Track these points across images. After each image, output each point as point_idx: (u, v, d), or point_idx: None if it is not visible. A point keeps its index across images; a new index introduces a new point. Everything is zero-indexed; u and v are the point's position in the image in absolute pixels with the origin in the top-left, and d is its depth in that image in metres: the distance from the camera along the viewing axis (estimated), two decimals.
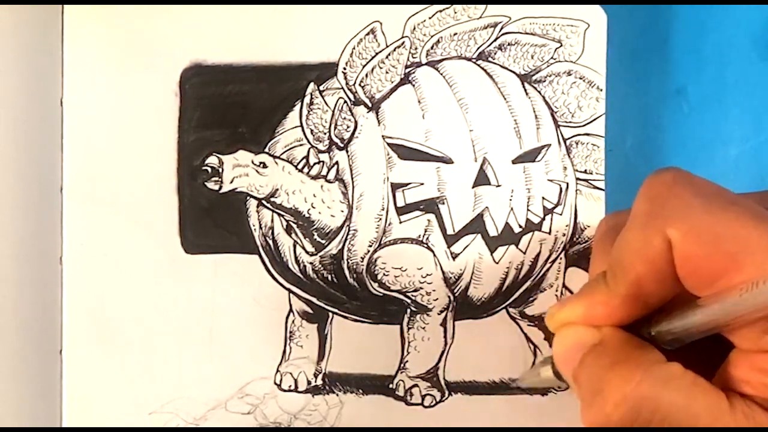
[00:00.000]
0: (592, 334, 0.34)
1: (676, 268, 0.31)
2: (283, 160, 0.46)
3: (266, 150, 0.46)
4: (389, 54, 0.45)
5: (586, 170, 0.46)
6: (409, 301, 0.46)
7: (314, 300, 0.46)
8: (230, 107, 0.46)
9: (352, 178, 0.46)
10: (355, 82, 0.45)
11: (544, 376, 0.39)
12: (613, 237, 0.34)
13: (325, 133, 0.46)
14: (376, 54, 0.45)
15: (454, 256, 0.46)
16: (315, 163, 0.46)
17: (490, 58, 0.46)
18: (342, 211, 0.46)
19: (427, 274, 0.46)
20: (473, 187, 0.45)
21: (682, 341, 0.33)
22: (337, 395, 0.46)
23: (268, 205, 0.46)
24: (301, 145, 0.46)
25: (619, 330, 0.34)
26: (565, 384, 0.37)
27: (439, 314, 0.46)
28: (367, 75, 0.45)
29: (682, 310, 0.32)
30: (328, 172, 0.46)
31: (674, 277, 0.32)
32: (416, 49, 0.45)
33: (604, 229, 0.38)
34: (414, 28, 0.45)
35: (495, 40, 0.45)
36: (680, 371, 0.32)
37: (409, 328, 0.46)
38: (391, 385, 0.46)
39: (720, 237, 0.30)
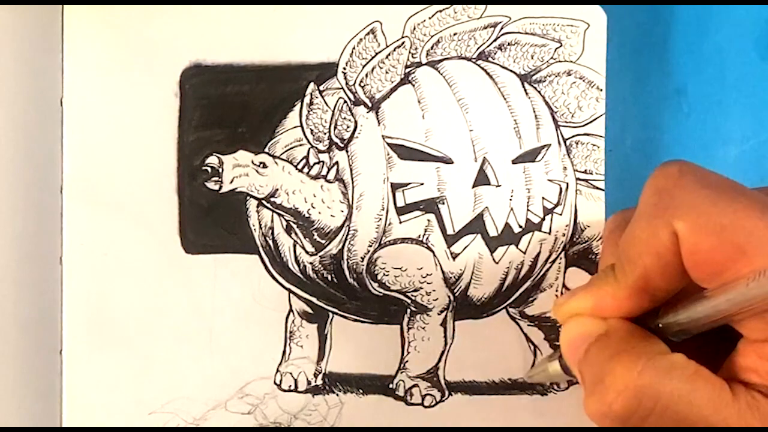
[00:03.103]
0: (598, 325, 0.34)
1: (683, 260, 0.31)
2: (283, 160, 0.46)
3: (266, 150, 0.46)
4: (389, 54, 0.45)
5: (586, 170, 0.46)
6: (409, 301, 0.46)
7: (314, 300, 0.46)
8: (230, 107, 0.46)
9: (352, 178, 0.46)
10: (355, 82, 0.45)
11: (551, 370, 0.39)
12: (623, 231, 0.34)
13: (325, 133, 0.46)
14: (376, 54, 0.45)
15: (454, 256, 0.46)
16: (315, 163, 0.46)
17: (490, 58, 0.46)
18: (342, 211, 0.46)
19: (427, 274, 0.46)
20: (473, 187, 0.45)
21: (689, 333, 0.33)
22: (337, 395, 0.46)
23: (268, 205, 0.46)
24: (301, 145, 0.46)
25: (625, 321, 0.34)
26: (573, 378, 0.37)
27: (439, 314, 0.46)
28: (367, 75, 0.45)
29: (689, 301, 0.32)
30: (328, 172, 0.46)
31: (681, 270, 0.32)
32: (416, 49, 0.45)
33: (613, 224, 0.38)
34: (414, 28, 0.45)
35: (495, 40, 0.45)
36: (683, 361, 0.32)
37: (409, 328, 0.46)
38: (391, 385, 0.46)
39: (726, 228, 0.30)
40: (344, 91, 0.45)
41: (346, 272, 0.46)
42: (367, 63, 0.45)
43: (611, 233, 0.38)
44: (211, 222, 0.46)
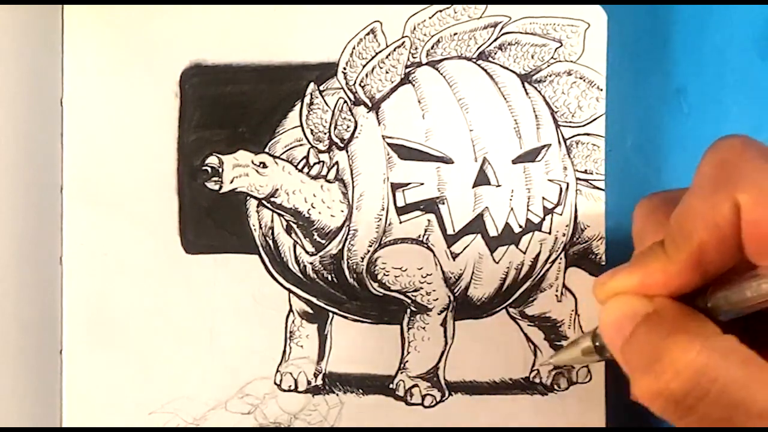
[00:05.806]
0: (644, 303, 0.33)
1: (742, 233, 0.31)
2: (283, 160, 0.46)
3: (266, 150, 0.46)
4: (389, 54, 0.45)
5: (586, 170, 0.46)
6: (409, 301, 0.46)
7: (314, 300, 0.46)
8: (230, 107, 0.46)
9: (352, 178, 0.46)
10: (355, 82, 0.45)
11: (582, 351, 0.38)
12: (665, 210, 0.33)
13: (325, 133, 0.46)
14: (376, 54, 0.45)
15: (454, 256, 0.46)
16: (315, 163, 0.46)
17: (490, 58, 0.46)
18: (342, 211, 0.46)
19: (427, 274, 0.46)
20: (473, 187, 0.45)
21: (739, 312, 0.32)
22: (337, 395, 0.46)
23: (268, 205, 0.46)
24: (301, 145, 0.46)
25: (672, 300, 0.33)
26: (604, 359, 0.36)
27: (439, 314, 0.46)
28: (367, 75, 0.45)
29: (741, 279, 0.32)
30: (328, 172, 0.46)
31: (738, 244, 0.31)
32: (416, 49, 0.45)
33: (651, 204, 0.37)
34: (414, 28, 0.45)
35: (495, 40, 0.45)
36: (737, 344, 0.31)
37: (409, 328, 0.46)
38: (391, 385, 0.46)
39: None
40: (344, 91, 0.45)
41: (346, 272, 0.46)
42: (367, 63, 0.45)
43: (652, 213, 0.36)
44: (211, 222, 0.46)
